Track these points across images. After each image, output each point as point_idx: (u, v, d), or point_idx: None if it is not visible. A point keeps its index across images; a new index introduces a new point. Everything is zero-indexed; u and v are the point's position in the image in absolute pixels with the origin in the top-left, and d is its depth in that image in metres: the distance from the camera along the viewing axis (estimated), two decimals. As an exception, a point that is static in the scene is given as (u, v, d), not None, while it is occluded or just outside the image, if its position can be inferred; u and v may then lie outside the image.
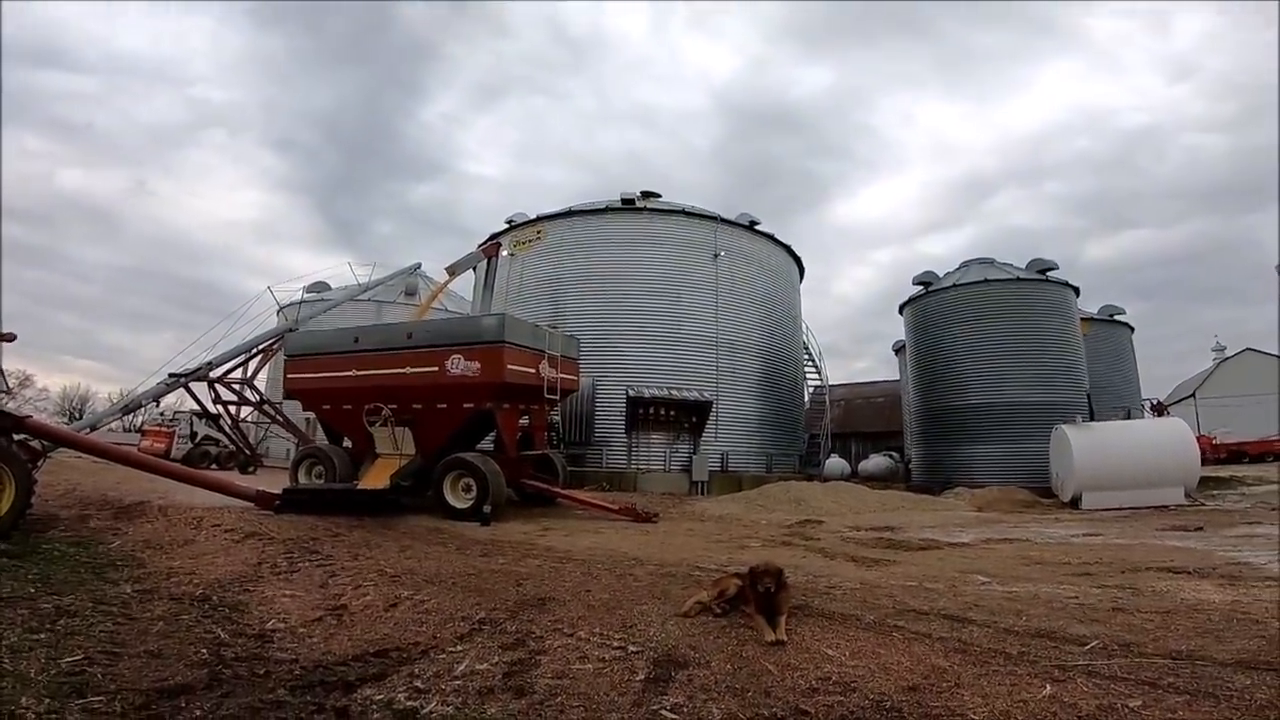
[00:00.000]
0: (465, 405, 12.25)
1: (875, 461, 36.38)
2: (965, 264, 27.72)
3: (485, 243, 21.24)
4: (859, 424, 43.83)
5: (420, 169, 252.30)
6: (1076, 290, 25.74)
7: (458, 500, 11.55)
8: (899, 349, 35.88)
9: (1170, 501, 15.89)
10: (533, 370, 12.73)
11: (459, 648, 4.19)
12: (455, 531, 9.79)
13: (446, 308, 28.89)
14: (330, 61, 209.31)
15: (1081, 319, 26.54)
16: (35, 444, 9.46)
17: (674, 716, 3.22)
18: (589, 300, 20.64)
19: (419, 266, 32.21)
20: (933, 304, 26.77)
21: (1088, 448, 17.08)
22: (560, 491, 13.52)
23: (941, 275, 28.02)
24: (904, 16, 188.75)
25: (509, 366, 11.92)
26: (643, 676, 3.67)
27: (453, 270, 19.48)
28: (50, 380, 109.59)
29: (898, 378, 38.47)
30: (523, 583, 5.99)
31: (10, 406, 8.90)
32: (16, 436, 8.38)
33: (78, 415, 59.87)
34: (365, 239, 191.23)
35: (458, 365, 12.01)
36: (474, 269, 20.29)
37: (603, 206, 22.14)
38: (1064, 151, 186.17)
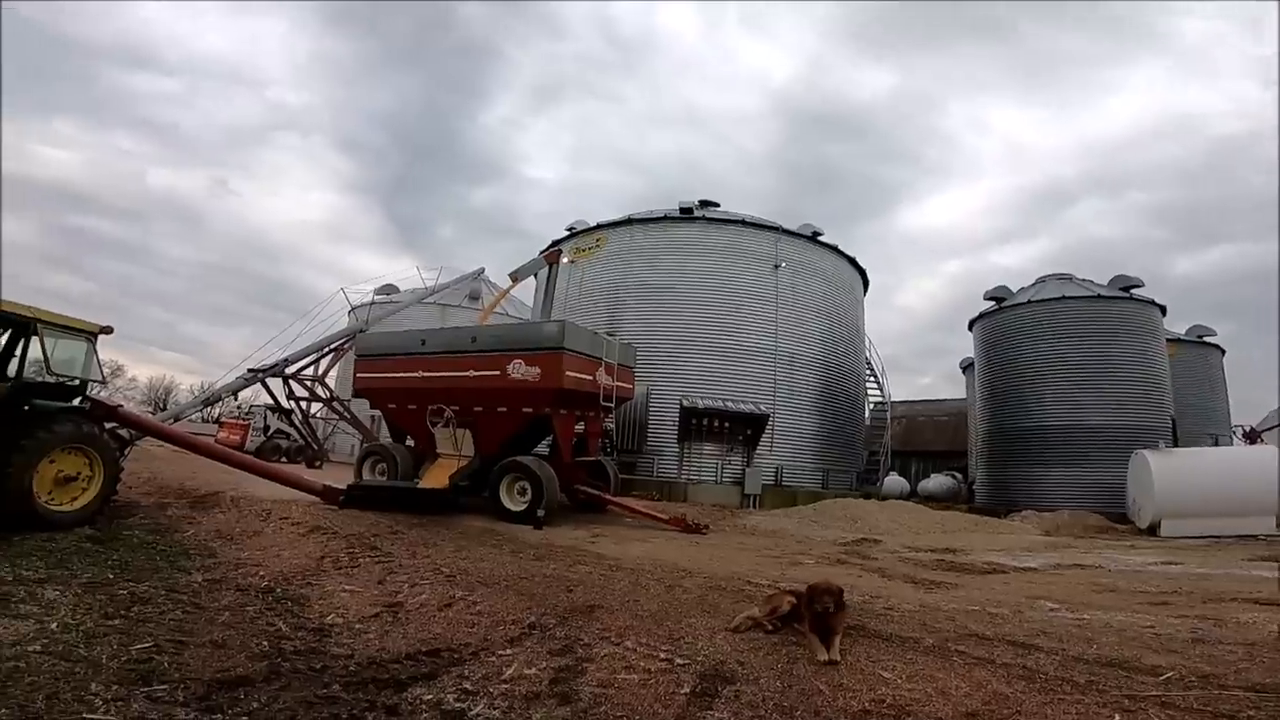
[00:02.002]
0: (524, 410, 12.43)
1: (937, 481, 35.20)
2: (1042, 279, 26.62)
3: (547, 249, 21.53)
4: (920, 442, 42.42)
5: (480, 172, 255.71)
6: (1163, 309, 24.32)
7: (513, 503, 11.74)
8: (966, 367, 34.64)
9: (1260, 531, 14.92)
10: (590, 377, 12.83)
11: (508, 651, 4.23)
12: (509, 534, 9.94)
13: (508, 313, 29.55)
14: (393, 63, 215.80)
15: (1167, 340, 25.06)
16: (124, 432, 10.10)
17: (719, 734, 3.16)
18: (646, 308, 20.63)
19: (482, 271, 33.09)
20: (1006, 320, 25.76)
21: (1169, 473, 16.18)
22: (611, 499, 13.56)
23: (1015, 290, 26.94)
24: (968, 17, 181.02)
25: (568, 373, 12.03)
26: (688, 690, 3.62)
27: (516, 276, 19.86)
28: (138, 370, 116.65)
29: (963, 396, 37.13)
30: (573, 589, 6.03)
31: (103, 396, 9.49)
32: (108, 425, 8.95)
33: (162, 405, 63.71)
34: (427, 240, 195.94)
35: (519, 370, 12.21)
36: (535, 275, 20.63)
37: (661, 215, 22.16)
38: (1150, 159, 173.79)
